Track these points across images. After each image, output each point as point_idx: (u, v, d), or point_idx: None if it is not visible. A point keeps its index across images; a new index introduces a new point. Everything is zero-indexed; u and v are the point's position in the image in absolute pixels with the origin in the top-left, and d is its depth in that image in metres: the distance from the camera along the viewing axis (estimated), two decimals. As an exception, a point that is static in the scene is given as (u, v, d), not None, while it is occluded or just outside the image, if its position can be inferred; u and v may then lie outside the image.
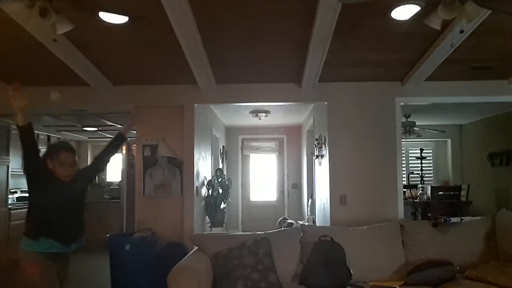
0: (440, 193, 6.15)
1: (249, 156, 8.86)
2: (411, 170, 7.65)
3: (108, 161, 3.17)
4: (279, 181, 8.78)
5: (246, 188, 8.79)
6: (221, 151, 7.69)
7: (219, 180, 5.88)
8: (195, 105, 4.65)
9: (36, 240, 2.57)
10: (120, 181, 6.98)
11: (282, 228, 5.83)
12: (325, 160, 4.72)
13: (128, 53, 3.86)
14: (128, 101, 4.63)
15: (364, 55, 3.87)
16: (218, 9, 3.08)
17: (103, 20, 3.03)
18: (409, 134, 6.95)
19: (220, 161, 7.44)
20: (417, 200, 6.39)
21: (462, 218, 3.67)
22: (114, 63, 4.09)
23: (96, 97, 4.58)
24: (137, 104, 4.63)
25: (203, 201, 5.37)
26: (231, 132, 8.62)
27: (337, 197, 4.43)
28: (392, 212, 4.33)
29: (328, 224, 4.45)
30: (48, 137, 7.82)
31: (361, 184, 4.42)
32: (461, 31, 2.98)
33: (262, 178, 8.87)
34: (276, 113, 6.73)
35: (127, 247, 4.04)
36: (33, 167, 2.65)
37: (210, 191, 5.58)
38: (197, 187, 4.85)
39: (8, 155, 6.30)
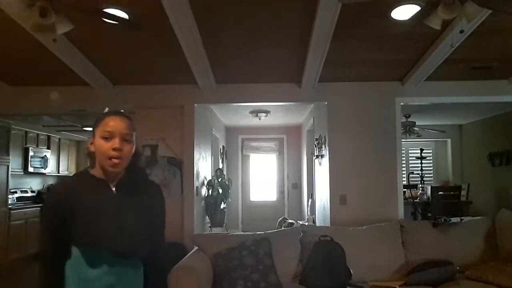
0: (440, 193, 6.15)
1: (249, 156, 8.85)
2: (411, 170, 7.64)
3: None
4: (279, 181, 8.77)
5: (246, 188, 8.78)
6: (221, 151, 7.68)
7: (219, 180, 5.87)
8: (195, 105, 4.65)
9: None
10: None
11: (282, 228, 5.83)
12: (325, 160, 4.71)
13: (128, 53, 3.86)
14: (128, 101, 4.62)
15: (364, 55, 3.87)
16: (218, 9, 3.08)
17: (103, 20, 3.02)
18: (409, 134, 6.95)
19: (220, 161, 7.44)
20: (417, 200, 6.39)
21: (462, 218, 3.68)
22: (114, 63, 4.09)
23: (96, 97, 4.58)
24: (137, 104, 4.62)
25: (203, 201, 5.37)
26: (231, 132, 8.61)
27: (337, 197, 4.42)
28: (392, 212, 4.33)
29: (328, 224, 4.44)
30: (48, 137, 7.81)
31: (361, 184, 4.42)
32: (461, 31, 2.98)
33: (262, 178, 8.86)
34: (276, 113, 6.72)
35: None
36: None
37: (210, 191, 5.58)
38: (197, 187, 4.84)
39: (8, 155, 6.30)
